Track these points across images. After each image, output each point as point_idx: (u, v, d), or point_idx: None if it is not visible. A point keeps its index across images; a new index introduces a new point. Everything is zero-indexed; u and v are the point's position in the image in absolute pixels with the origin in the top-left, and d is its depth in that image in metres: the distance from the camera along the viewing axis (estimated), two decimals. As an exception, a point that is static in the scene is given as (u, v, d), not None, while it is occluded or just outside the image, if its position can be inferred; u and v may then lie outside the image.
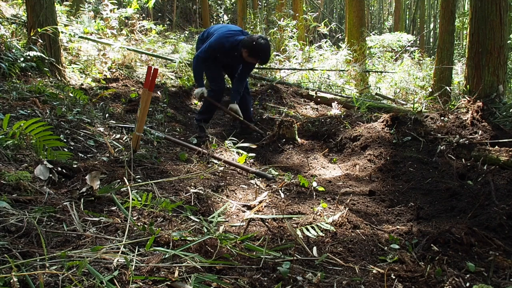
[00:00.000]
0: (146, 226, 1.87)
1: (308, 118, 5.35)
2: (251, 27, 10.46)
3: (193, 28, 13.17)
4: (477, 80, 4.80)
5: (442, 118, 4.35)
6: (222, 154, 3.47)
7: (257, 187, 2.84)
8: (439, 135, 3.92)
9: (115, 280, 1.38)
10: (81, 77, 5.53)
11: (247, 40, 3.98)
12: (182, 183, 2.58)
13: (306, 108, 6.05)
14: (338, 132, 4.39)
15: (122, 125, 3.77)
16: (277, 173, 3.25)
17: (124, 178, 2.36)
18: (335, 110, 5.49)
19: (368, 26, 16.39)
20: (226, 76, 4.72)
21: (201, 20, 15.70)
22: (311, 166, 3.64)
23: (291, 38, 9.68)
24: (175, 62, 7.13)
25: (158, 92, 5.32)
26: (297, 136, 4.28)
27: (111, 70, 6.27)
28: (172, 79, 6.83)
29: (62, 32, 5.64)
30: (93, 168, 2.47)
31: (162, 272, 1.49)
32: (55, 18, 5.02)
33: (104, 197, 2.17)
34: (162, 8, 16.32)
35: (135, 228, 1.87)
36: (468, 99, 4.74)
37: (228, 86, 5.16)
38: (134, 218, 2.00)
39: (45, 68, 4.78)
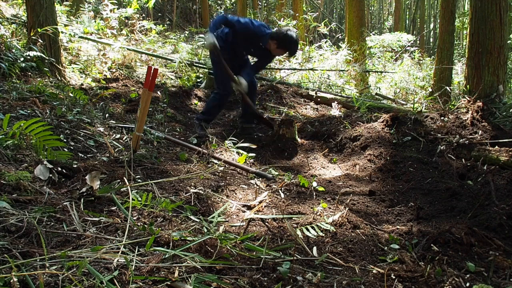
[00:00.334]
0: (146, 226, 1.87)
1: (308, 118, 5.35)
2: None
3: (193, 28, 13.16)
4: (477, 80, 4.80)
5: (442, 118, 4.35)
6: (222, 154, 3.47)
7: (257, 187, 2.84)
8: (439, 135, 3.92)
9: (115, 280, 1.38)
10: (81, 77, 5.53)
11: (276, 32, 4.11)
12: (182, 183, 2.58)
13: (306, 108, 6.05)
14: (338, 132, 4.39)
15: (122, 125, 3.77)
16: (277, 173, 3.25)
17: (124, 178, 2.36)
18: (335, 110, 5.49)
19: (368, 26, 16.39)
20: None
21: (201, 20, 15.69)
22: (311, 166, 3.64)
23: (291, 38, 9.66)
24: (175, 62, 7.13)
25: (158, 92, 5.31)
26: (297, 136, 4.28)
27: (111, 70, 6.27)
28: (172, 79, 6.83)
29: (62, 32, 5.64)
30: (93, 168, 2.47)
31: (162, 272, 1.49)
32: (55, 18, 5.02)
33: (104, 197, 2.17)
34: (162, 8, 16.32)
35: (135, 228, 1.87)
36: (468, 99, 4.74)
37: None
38: (134, 218, 2.00)
39: (45, 68, 4.78)
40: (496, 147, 3.43)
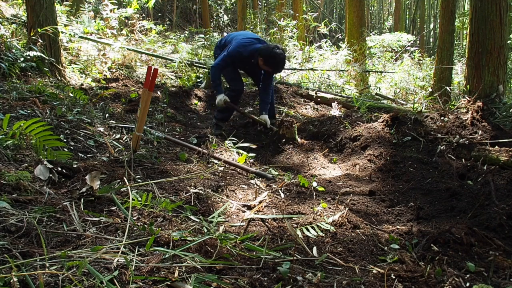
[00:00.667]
0: (146, 226, 1.87)
1: (308, 118, 5.35)
2: (251, 27, 10.46)
3: (193, 28, 13.16)
4: (477, 80, 4.80)
5: (442, 118, 4.35)
6: (222, 154, 3.47)
7: (257, 187, 2.84)
8: (439, 135, 3.92)
9: (115, 280, 1.38)
10: (81, 77, 5.53)
11: (263, 48, 4.07)
12: (182, 183, 2.58)
13: (306, 108, 6.05)
14: (338, 132, 4.39)
15: (122, 125, 3.77)
16: (277, 173, 3.25)
17: (124, 178, 2.36)
18: (335, 110, 5.49)
19: (368, 26, 16.39)
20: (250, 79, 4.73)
21: (201, 20, 15.69)
22: (311, 166, 3.64)
23: (291, 38, 9.69)
24: (175, 62, 7.13)
25: (158, 92, 5.32)
26: (297, 136, 4.28)
27: (111, 70, 6.27)
28: (172, 79, 6.83)
29: (62, 32, 5.64)
30: (93, 168, 2.47)
31: (162, 272, 1.49)
32: (55, 18, 5.02)
33: (104, 197, 2.17)
34: (162, 8, 16.32)
35: (135, 228, 1.87)
36: (468, 99, 4.74)
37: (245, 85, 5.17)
38: (134, 218, 2.00)
39: (45, 68, 4.78)
40: (496, 147, 3.43)
